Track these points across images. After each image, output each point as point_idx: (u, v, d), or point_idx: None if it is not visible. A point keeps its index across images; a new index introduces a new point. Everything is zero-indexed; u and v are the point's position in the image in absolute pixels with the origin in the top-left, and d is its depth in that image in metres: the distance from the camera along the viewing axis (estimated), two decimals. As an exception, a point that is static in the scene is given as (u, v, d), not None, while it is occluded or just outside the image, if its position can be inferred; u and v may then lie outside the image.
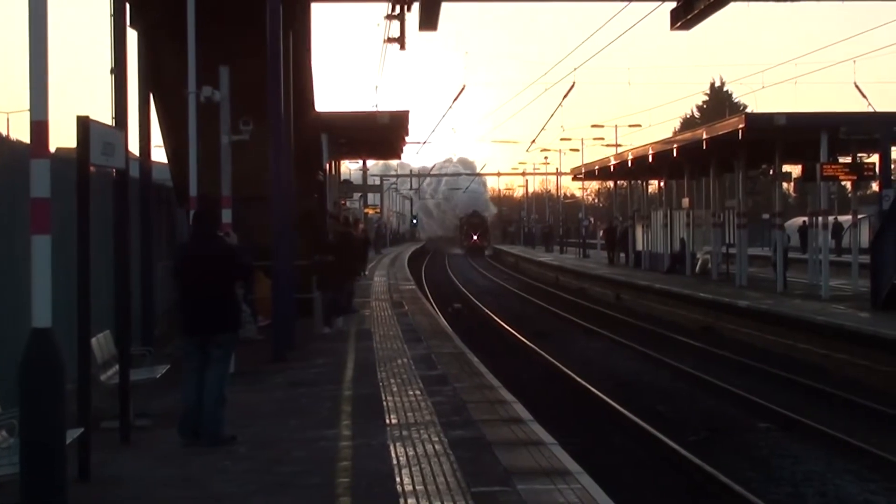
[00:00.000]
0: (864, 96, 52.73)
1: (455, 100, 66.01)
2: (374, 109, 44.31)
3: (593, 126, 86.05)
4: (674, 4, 21.96)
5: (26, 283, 8.10)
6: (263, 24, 19.33)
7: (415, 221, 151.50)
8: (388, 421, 13.34)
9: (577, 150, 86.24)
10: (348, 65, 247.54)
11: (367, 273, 45.61)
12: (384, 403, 14.66)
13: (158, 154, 24.09)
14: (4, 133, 13.32)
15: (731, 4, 20.64)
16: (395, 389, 15.89)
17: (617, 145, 77.11)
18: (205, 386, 12.13)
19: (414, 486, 9.97)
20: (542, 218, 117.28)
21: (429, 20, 20.58)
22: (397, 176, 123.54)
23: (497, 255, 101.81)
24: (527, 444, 11.91)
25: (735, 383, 22.65)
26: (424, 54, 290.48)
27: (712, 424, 19.03)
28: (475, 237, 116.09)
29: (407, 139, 39.67)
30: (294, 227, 22.05)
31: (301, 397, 15.52)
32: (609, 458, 15.57)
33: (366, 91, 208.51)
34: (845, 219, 48.10)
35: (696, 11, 21.10)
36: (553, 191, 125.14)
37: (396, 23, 21.72)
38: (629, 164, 50.12)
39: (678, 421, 19.18)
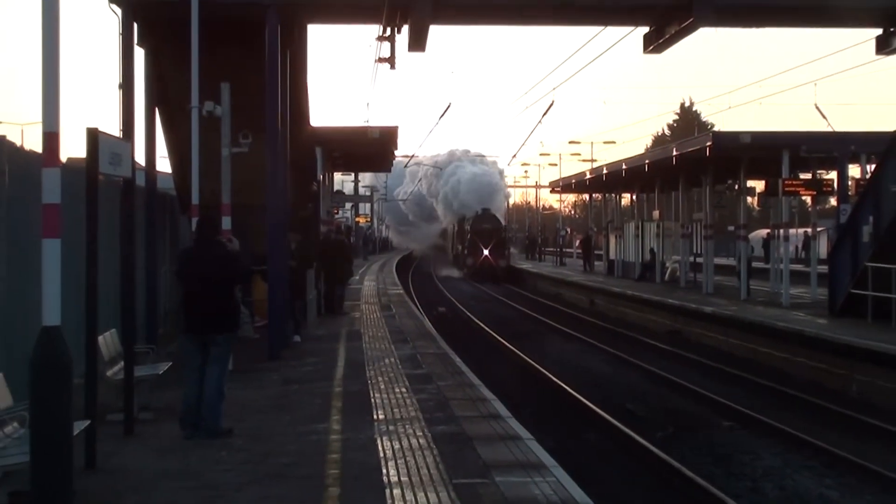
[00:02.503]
0: (823, 117, 52.79)
1: (441, 116, 66.13)
2: (365, 125, 44.35)
3: (570, 142, 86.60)
4: (646, 29, 22.01)
5: (38, 284, 8.09)
6: (262, 44, 19.36)
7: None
8: (375, 416, 13.36)
9: (556, 165, 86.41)
10: (342, 82, 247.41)
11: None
12: (372, 400, 14.68)
13: (163, 164, 24.07)
14: (19, 143, 13.29)
15: (700, 30, 20.68)
16: (382, 387, 15.91)
17: (592, 160, 77.26)
18: (205, 382, 12.15)
19: (399, 478, 10.00)
20: (522, 228, 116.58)
21: (417, 42, 20.58)
22: (381, 191, 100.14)
23: None
24: (505, 440, 11.94)
25: (701, 384, 22.72)
26: (413, 73, 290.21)
27: (678, 422, 19.08)
28: (486, 252, 70.85)
29: (396, 153, 39.67)
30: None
31: (294, 394, 15.53)
32: (582, 453, 15.61)
33: (358, 107, 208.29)
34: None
35: (667, 36, 21.16)
36: (532, 203, 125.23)
37: (387, 44, 21.74)
38: (604, 178, 50.26)
39: (647, 419, 19.23)
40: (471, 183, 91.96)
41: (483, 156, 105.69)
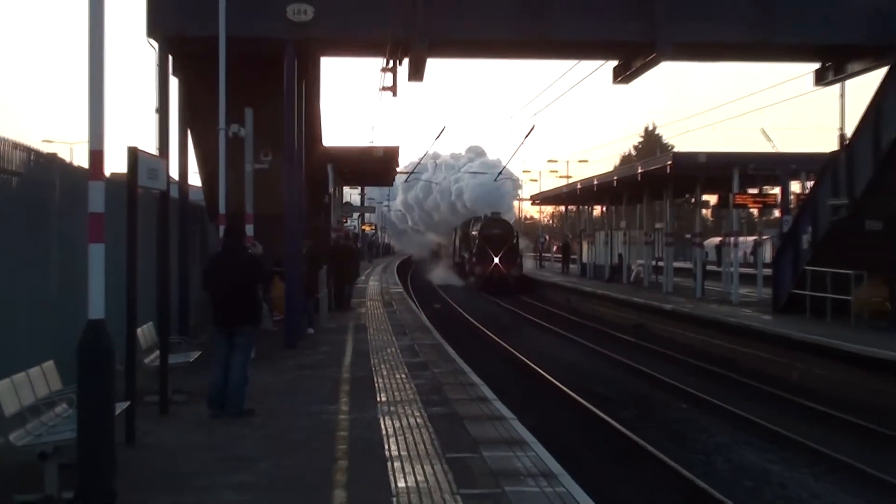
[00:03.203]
0: (769, 140, 53.28)
1: (437, 137, 66.24)
2: (370, 145, 44.35)
3: (549, 160, 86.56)
4: (615, 63, 22.06)
5: (84, 283, 8.08)
6: (282, 74, 19.37)
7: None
8: (378, 399, 13.35)
9: (536, 181, 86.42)
10: (350, 107, 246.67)
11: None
12: (376, 384, 14.67)
13: (194, 178, 24.06)
14: (69, 160, 13.29)
15: (662, 63, 20.73)
16: (384, 373, 15.91)
17: (568, 177, 77.28)
18: (230, 368, 12.15)
19: (399, 452, 10.00)
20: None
21: (416, 73, 20.60)
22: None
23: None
24: (491, 419, 11.94)
25: (661, 371, 22.75)
26: (413, 99, 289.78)
27: (641, 404, 19.11)
28: (497, 260, 54.97)
29: (397, 169, 39.69)
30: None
31: (308, 378, 15.52)
32: (557, 431, 15.57)
33: (364, 129, 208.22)
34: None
35: (633, 69, 21.20)
36: (516, 213, 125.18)
37: (390, 74, 21.78)
38: (578, 192, 50.27)
39: (614, 400, 19.25)
40: (476, 186, 77.96)
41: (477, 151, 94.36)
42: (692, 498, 12.30)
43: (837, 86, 31.95)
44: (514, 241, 56.43)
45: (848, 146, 25.61)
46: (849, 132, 26.48)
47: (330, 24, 19.47)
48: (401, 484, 8.71)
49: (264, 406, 12.64)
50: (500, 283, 53.19)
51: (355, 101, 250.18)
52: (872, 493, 12.75)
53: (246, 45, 18.86)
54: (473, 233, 60.24)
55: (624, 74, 21.80)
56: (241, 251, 12.60)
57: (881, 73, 23.18)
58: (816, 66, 22.14)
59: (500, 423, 11.64)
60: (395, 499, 8.21)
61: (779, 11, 19.78)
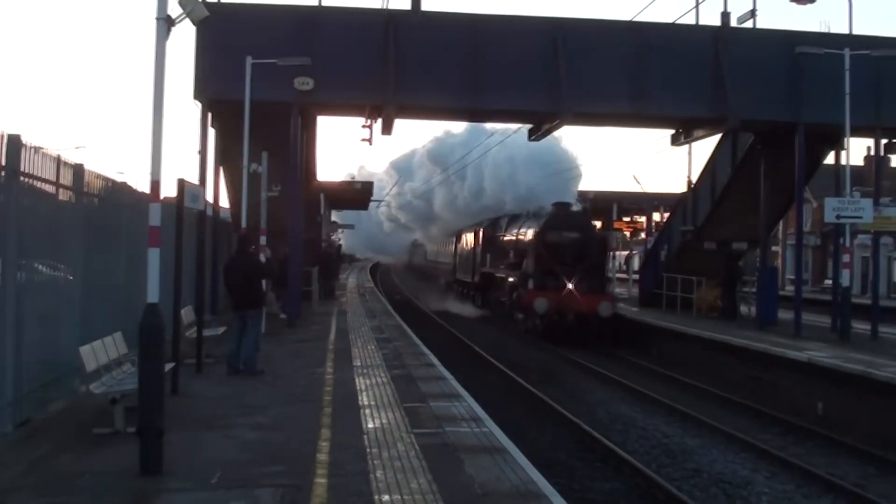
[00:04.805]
0: (638, 183, 53.81)
1: (394, 185, 64.62)
2: (352, 180, 44.24)
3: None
4: (530, 126, 22.36)
5: (144, 276, 8.10)
6: (288, 128, 19.40)
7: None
8: (354, 364, 13.40)
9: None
10: (338, 150, 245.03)
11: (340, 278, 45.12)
12: (353, 353, 14.72)
13: (224, 202, 23.92)
14: (135, 187, 13.25)
15: (564, 126, 21.06)
16: (359, 345, 15.96)
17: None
18: (244, 340, 12.14)
19: (369, 402, 10.08)
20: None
21: (387, 129, 20.68)
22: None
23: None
24: (436, 379, 12.05)
25: (558, 347, 22.95)
26: (385, 146, 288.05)
27: (545, 371, 19.30)
28: (572, 284, 22.07)
29: (371, 198, 39.70)
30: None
31: (303, 348, 15.49)
32: (483, 388, 15.65)
33: (347, 166, 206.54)
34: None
35: (543, 130, 21.48)
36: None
37: (368, 129, 21.89)
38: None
39: (525, 368, 19.39)
40: (520, 159, 32.54)
41: None
42: (580, 437, 12.54)
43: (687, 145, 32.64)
44: (601, 250, 25.75)
45: (693, 189, 26.15)
46: (694, 179, 27.00)
47: (325, 92, 19.53)
48: (370, 425, 8.78)
49: (272, 368, 12.63)
50: (579, 325, 23.30)
51: (341, 146, 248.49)
52: (706, 432, 13.09)
53: (263, 106, 18.79)
54: (512, 238, 28.26)
55: (537, 134, 22.08)
56: (248, 256, 12.66)
57: (717, 138, 23.76)
58: (672, 131, 22.59)
59: (442, 382, 11.76)
60: (365, 436, 8.26)
61: (647, 92, 20.18)
